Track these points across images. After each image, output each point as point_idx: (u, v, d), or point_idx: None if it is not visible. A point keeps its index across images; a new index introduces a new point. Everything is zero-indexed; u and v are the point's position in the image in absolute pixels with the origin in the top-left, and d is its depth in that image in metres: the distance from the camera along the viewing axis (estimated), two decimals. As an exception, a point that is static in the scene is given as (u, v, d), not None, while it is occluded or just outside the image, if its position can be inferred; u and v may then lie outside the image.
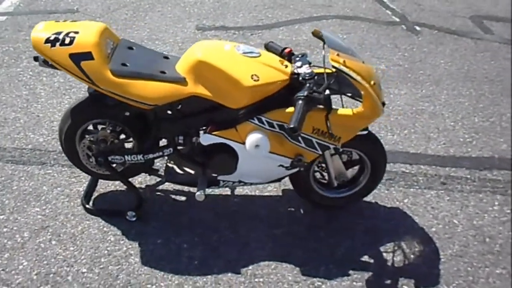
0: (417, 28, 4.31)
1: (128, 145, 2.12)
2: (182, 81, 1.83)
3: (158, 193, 2.36)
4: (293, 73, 1.91)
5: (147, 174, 2.34)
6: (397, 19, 4.52)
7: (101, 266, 1.97)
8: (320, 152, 1.98)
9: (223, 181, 2.08)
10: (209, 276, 1.96)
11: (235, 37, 4.08)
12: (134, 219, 2.15)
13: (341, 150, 2.10)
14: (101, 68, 1.75)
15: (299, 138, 1.93)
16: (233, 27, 4.27)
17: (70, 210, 2.21)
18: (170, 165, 2.16)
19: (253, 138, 1.84)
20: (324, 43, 1.89)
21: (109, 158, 2.02)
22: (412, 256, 2.12)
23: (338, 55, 1.81)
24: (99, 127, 2.07)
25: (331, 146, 1.97)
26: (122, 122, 1.98)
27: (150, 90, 1.80)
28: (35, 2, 4.55)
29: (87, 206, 2.18)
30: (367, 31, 4.29)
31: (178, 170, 2.14)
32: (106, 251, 2.03)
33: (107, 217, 2.18)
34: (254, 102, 1.87)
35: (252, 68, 1.83)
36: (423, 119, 3.10)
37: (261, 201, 2.37)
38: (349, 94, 1.99)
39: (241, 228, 2.20)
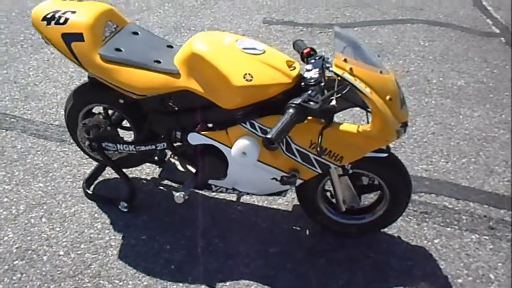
0: (519, 43, 3.80)
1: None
2: (175, 73, 1.76)
3: (161, 187, 2.34)
4: (299, 77, 1.75)
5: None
6: (497, 31, 4.03)
7: (79, 252, 2.00)
8: (319, 171, 1.79)
9: (215, 186, 1.99)
10: (180, 284, 1.88)
11: (301, 34, 3.94)
12: (125, 210, 2.16)
13: (350, 171, 1.88)
14: (91, 51, 1.76)
15: (295, 151, 1.76)
16: (302, 23, 4.14)
17: (70, 191, 2.29)
18: (172, 160, 2.12)
19: (240, 144, 1.70)
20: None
21: (103, 145, 2.04)
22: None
23: (345, 60, 1.60)
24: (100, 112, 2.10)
25: (332, 166, 1.77)
26: (119, 109, 1.98)
27: (138, 79, 1.76)
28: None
29: (86, 190, 2.24)
30: (455, 41, 3.88)
31: (179, 168, 2.09)
32: (88, 238, 2.06)
33: (102, 204, 2.21)
34: (249, 105, 1.74)
35: (248, 66, 1.69)
36: (490, 149, 2.70)
37: (265, 213, 2.24)
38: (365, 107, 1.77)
39: (233, 238, 2.09)
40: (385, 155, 1.84)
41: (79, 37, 1.76)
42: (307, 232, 2.16)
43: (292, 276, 1.95)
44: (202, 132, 1.81)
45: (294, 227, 2.18)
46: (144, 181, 2.35)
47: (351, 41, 1.70)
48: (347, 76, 1.58)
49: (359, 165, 1.87)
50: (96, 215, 2.17)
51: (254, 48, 1.76)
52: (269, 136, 1.44)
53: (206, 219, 2.19)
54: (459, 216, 2.27)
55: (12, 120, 2.73)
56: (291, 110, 1.53)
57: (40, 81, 3.15)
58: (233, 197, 2.31)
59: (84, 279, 1.89)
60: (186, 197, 1.86)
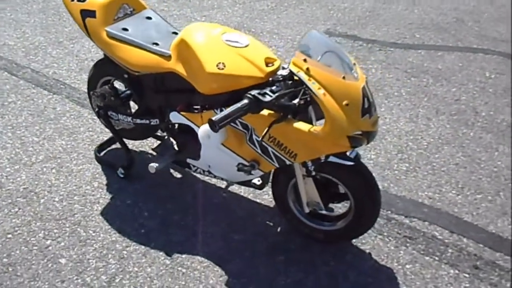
0: None
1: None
2: (166, 56, 2.02)
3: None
4: (274, 73, 1.91)
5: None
6: None
7: (70, 202, 2.34)
8: (276, 164, 1.93)
9: (194, 166, 2.21)
10: (142, 247, 2.13)
11: (359, 49, 4.03)
12: (122, 176, 2.46)
13: (313, 173, 1.98)
14: (99, 27, 2.10)
15: (255, 142, 1.91)
16: (365, 38, 4.21)
17: (84, 152, 2.67)
18: (170, 138, 2.39)
19: (206, 127, 1.89)
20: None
21: (108, 113, 2.37)
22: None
23: (305, 60, 1.72)
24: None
25: (287, 162, 1.89)
26: (124, 82, 2.29)
27: (133, 56, 2.06)
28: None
29: (96, 153, 2.59)
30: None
31: (174, 146, 2.35)
32: (83, 192, 2.40)
33: (105, 168, 2.55)
34: (224, 93, 1.94)
35: (224, 56, 1.88)
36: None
37: (246, 204, 2.40)
38: None
39: (206, 219, 2.29)
40: (350, 163, 1.91)
41: (92, 13, 2.10)
42: (278, 229, 2.28)
43: (245, 264, 2.09)
44: (181, 112, 2.05)
45: (267, 222, 2.31)
46: (149, 155, 2.64)
47: (322, 45, 1.78)
48: (301, 74, 1.70)
49: (323, 169, 1.97)
50: (97, 175, 2.51)
51: (237, 42, 1.95)
52: (213, 118, 1.62)
53: (189, 198, 2.41)
54: (445, 248, 2.24)
55: (61, 86, 3.21)
56: (244, 100, 1.67)
57: (98, 58, 3.63)
58: (222, 184, 2.51)
59: (66, 224, 2.22)
60: (159, 169, 2.11)
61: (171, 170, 2.58)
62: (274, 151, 1.89)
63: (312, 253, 2.17)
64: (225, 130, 1.95)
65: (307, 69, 1.70)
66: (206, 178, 2.52)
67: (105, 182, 2.47)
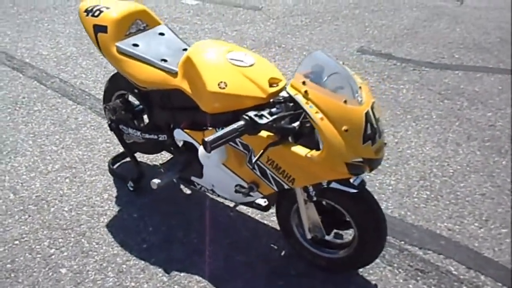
0: None
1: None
2: (173, 73, 2.05)
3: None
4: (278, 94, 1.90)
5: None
6: None
7: (78, 212, 2.41)
8: (275, 188, 1.91)
9: (198, 183, 2.22)
10: (142, 262, 2.15)
11: (392, 68, 3.95)
12: (131, 189, 2.51)
13: (314, 198, 1.94)
14: (110, 42, 2.16)
15: (255, 165, 1.91)
16: (399, 57, 4.13)
17: (98, 163, 2.74)
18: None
19: None
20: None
21: (120, 126, 2.43)
22: None
23: (303, 82, 1.70)
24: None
25: (285, 186, 1.87)
26: (135, 97, 2.35)
27: (141, 72, 2.10)
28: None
29: (110, 165, 2.65)
30: None
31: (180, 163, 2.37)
32: (92, 203, 2.47)
33: (117, 180, 2.61)
34: (226, 112, 1.94)
35: (226, 75, 1.88)
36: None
37: (252, 225, 2.39)
38: None
39: (209, 237, 2.30)
40: (354, 191, 1.86)
41: (104, 29, 2.17)
42: (282, 253, 2.26)
43: (243, 287, 2.07)
44: (185, 130, 2.07)
45: (272, 244, 2.29)
46: (161, 170, 2.68)
47: (324, 67, 1.75)
48: (299, 97, 1.68)
49: (326, 195, 1.93)
50: (108, 187, 2.58)
51: (242, 61, 1.95)
52: (206, 139, 1.61)
53: (196, 215, 2.43)
54: (459, 285, 2.13)
55: (86, 97, 3.33)
56: (240, 121, 1.66)
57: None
58: (230, 203, 2.51)
59: (71, 234, 2.29)
60: (161, 185, 2.14)
61: (181, 186, 2.61)
62: (272, 174, 1.87)
63: (314, 280, 2.12)
64: (225, 150, 1.95)
65: (306, 91, 1.67)
66: (214, 196, 2.53)
67: (115, 194, 2.53)
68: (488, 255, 2.28)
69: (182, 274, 2.12)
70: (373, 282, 2.13)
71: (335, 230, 2.13)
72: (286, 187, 1.86)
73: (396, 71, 3.90)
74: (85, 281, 2.07)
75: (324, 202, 2.02)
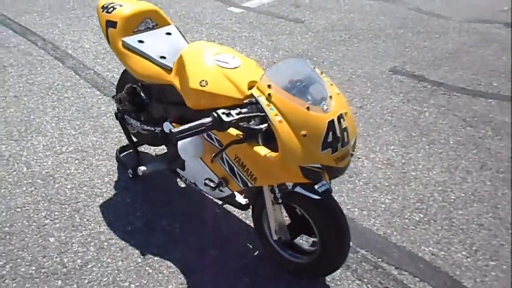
0: None
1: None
2: (168, 69, 2.26)
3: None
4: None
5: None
6: None
7: (79, 191, 2.67)
8: (241, 185, 2.03)
9: (182, 176, 2.40)
10: (123, 242, 2.36)
11: (421, 90, 3.95)
12: (130, 176, 2.74)
13: (280, 200, 2.05)
14: (117, 37, 2.40)
15: (224, 160, 2.05)
16: (432, 80, 4.11)
17: (108, 149, 3.00)
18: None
19: (183, 139, 2.07)
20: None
21: (125, 117, 2.66)
22: None
23: (269, 86, 1.82)
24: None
25: (249, 184, 1.99)
26: (142, 90, 2.57)
27: (139, 66, 2.32)
28: (277, 6, 5.58)
29: (117, 152, 2.89)
30: None
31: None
32: (93, 185, 2.72)
33: (121, 167, 2.85)
34: (207, 109, 2.10)
35: (209, 74, 2.03)
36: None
37: (236, 224, 2.53)
38: None
39: (192, 229, 2.46)
40: (316, 197, 1.95)
41: (114, 24, 2.42)
42: (256, 253, 2.37)
43: (209, 279, 2.21)
44: (173, 123, 2.26)
45: (248, 244, 2.42)
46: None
47: (294, 73, 1.85)
48: (261, 99, 1.81)
49: (291, 198, 2.03)
50: (111, 172, 2.82)
51: (227, 63, 2.11)
52: (173, 130, 1.77)
53: (184, 206, 2.61)
54: (426, 309, 2.16)
55: (113, 89, 3.61)
56: (208, 118, 1.82)
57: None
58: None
59: (67, 209, 2.55)
60: (146, 173, 2.34)
61: (177, 179, 2.80)
62: (239, 171, 2.01)
63: (279, 282, 2.22)
64: (202, 145, 2.11)
65: (269, 94, 1.80)
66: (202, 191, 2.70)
67: (115, 179, 2.76)
68: (467, 284, 2.27)
69: (155, 258, 2.30)
70: (338, 293, 2.20)
71: (306, 236, 2.23)
72: (249, 185, 1.99)
73: (424, 94, 3.89)
74: (68, 252, 2.30)
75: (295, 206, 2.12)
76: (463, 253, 2.45)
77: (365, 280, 2.27)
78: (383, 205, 2.73)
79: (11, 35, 4.55)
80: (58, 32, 4.64)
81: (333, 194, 2.73)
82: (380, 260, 2.37)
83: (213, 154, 1.97)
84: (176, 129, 1.72)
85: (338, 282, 2.25)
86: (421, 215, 2.67)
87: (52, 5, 5.30)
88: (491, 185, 2.91)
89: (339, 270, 2.28)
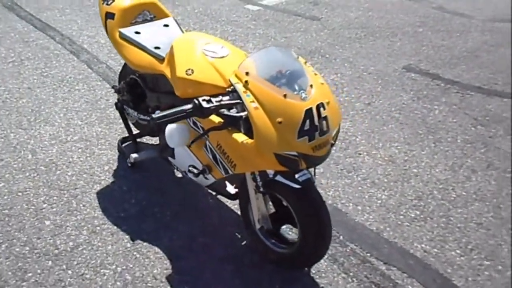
0: None
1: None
2: (160, 59, 2.33)
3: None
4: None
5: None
6: None
7: (78, 178, 2.78)
8: (223, 173, 2.08)
9: (173, 164, 2.46)
10: (115, 228, 2.44)
11: (433, 87, 3.91)
12: (129, 165, 2.83)
13: (261, 189, 2.08)
14: (115, 28, 2.50)
15: (208, 148, 2.09)
16: (446, 79, 4.06)
17: (111, 140, 3.11)
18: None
19: (170, 126, 2.10)
20: None
21: (124, 107, 2.75)
22: None
23: (247, 73, 1.85)
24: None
25: (229, 171, 2.03)
26: (139, 80, 2.65)
27: (134, 56, 2.40)
28: (295, 3, 5.61)
29: (119, 142, 2.98)
30: None
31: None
32: (92, 172, 2.82)
33: (121, 156, 2.94)
34: (194, 97, 2.15)
35: (196, 64, 2.08)
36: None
37: (228, 214, 2.58)
38: None
39: (183, 217, 2.52)
40: (297, 186, 1.98)
41: (112, 16, 2.51)
42: (243, 242, 2.41)
43: (194, 265, 2.26)
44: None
45: (236, 233, 2.46)
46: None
47: (273, 62, 1.89)
48: (238, 86, 1.85)
49: (272, 187, 2.07)
50: (111, 161, 2.92)
51: (215, 52, 2.16)
52: (153, 115, 1.84)
53: (178, 195, 2.67)
54: (410, 304, 2.15)
55: (122, 81, 3.75)
56: (189, 104, 1.87)
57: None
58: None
59: (65, 194, 2.65)
60: (137, 160, 2.42)
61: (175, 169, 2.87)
62: (220, 158, 2.05)
63: (263, 272, 2.25)
64: (188, 132, 2.17)
65: (246, 81, 1.84)
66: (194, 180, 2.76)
67: (114, 168, 2.86)
68: (458, 283, 2.25)
69: (144, 244, 2.37)
70: (321, 285, 2.21)
71: (290, 226, 2.26)
72: (230, 172, 2.03)
73: (436, 92, 3.85)
74: (61, 234, 2.40)
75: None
76: (457, 251, 2.42)
77: (351, 273, 2.27)
78: (379, 201, 2.72)
79: (31, 30, 4.74)
80: (76, 28, 4.81)
81: (329, 188, 2.78)
82: (369, 254, 2.37)
83: (193, 139, 2.02)
84: (156, 115, 1.78)
85: (323, 274, 2.26)
86: (418, 212, 2.65)
87: (73, 2, 5.50)
88: (496, 185, 2.86)
89: (325, 263, 2.30)
